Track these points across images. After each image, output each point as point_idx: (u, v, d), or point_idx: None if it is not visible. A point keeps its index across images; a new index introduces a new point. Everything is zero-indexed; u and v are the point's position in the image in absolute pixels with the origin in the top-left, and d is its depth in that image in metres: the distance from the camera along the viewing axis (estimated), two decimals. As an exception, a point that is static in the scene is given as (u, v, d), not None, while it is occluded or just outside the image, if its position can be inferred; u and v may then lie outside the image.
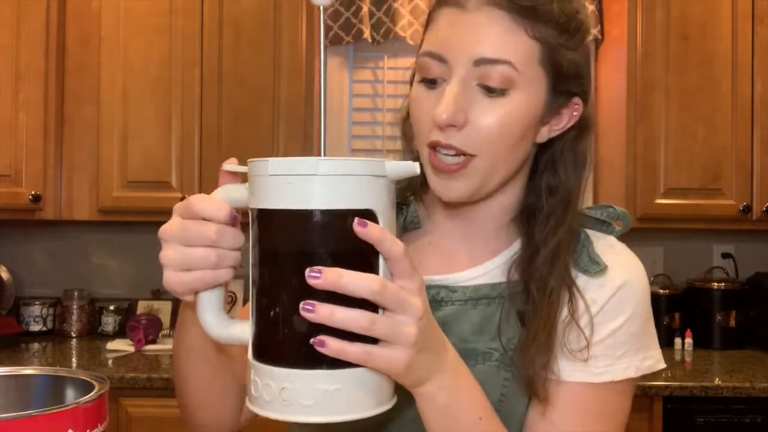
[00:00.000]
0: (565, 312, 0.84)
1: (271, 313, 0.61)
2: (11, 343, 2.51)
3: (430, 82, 0.84)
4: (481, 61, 0.80)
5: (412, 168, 0.62)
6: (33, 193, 2.42)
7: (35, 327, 2.69)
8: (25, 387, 0.68)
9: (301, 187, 0.59)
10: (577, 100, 0.87)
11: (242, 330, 0.65)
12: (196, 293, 0.66)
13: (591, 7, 2.65)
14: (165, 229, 0.65)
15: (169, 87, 2.47)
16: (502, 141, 0.82)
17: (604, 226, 0.91)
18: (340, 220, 0.59)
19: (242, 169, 0.65)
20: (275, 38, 2.46)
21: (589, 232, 0.90)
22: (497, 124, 0.81)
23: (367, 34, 2.67)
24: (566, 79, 0.85)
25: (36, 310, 2.70)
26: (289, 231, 0.60)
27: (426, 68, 0.84)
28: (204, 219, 0.64)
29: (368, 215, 0.60)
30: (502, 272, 0.89)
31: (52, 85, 2.46)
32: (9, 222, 2.70)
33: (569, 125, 0.88)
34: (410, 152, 0.95)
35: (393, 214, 0.64)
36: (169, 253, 0.64)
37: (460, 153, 0.82)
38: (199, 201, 0.64)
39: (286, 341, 0.61)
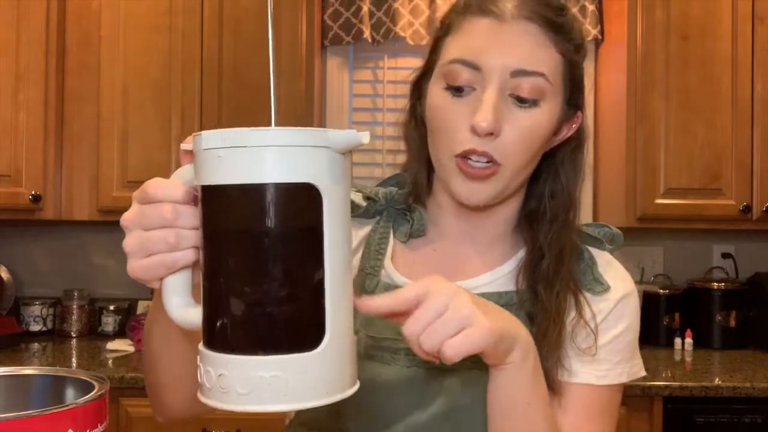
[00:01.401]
0: (573, 314, 0.89)
1: (211, 296, 0.58)
2: (11, 343, 2.51)
3: (457, 90, 0.85)
4: (518, 72, 0.83)
5: (357, 138, 0.57)
6: (33, 193, 2.42)
7: (35, 327, 2.69)
8: (25, 387, 0.68)
9: (232, 161, 0.55)
10: (579, 113, 0.92)
11: (198, 315, 0.61)
12: (161, 279, 0.64)
13: (591, 7, 2.65)
14: (125, 217, 0.64)
15: (169, 87, 2.47)
16: (528, 151, 0.86)
17: (598, 243, 0.95)
18: (276, 194, 0.55)
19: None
20: (275, 38, 2.46)
21: (592, 250, 0.94)
22: (527, 134, 0.84)
23: (367, 34, 2.67)
24: (576, 93, 0.90)
25: (36, 310, 2.70)
26: (222, 208, 0.57)
27: (454, 75, 0.85)
28: (161, 201, 0.63)
29: (308, 190, 0.56)
30: (509, 280, 0.92)
31: (52, 85, 2.45)
32: (9, 222, 2.70)
33: (567, 136, 0.92)
34: (416, 158, 0.95)
35: (343, 189, 0.58)
36: (130, 240, 0.63)
37: (490, 161, 0.84)
38: (153, 185, 0.63)
39: (224, 325, 0.57)
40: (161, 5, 2.47)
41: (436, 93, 0.87)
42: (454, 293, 0.68)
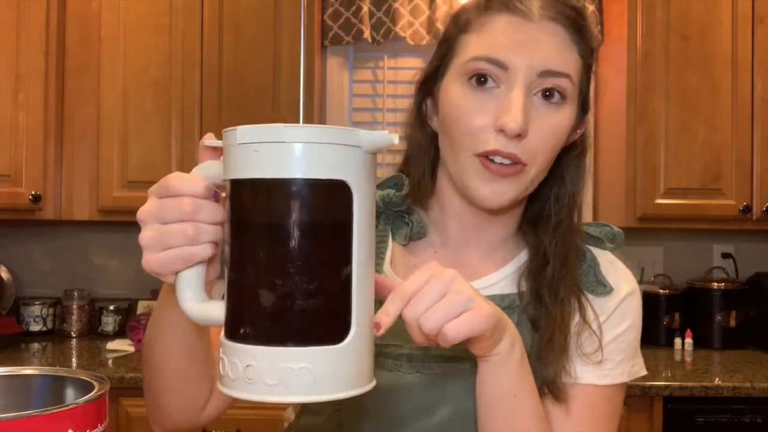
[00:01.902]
0: (577, 317, 0.88)
1: (239, 288, 0.59)
2: (11, 343, 2.51)
3: (480, 81, 0.83)
4: (546, 73, 0.82)
5: (389, 138, 0.59)
6: (33, 193, 2.42)
7: (35, 327, 2.69)
8: (25, 387, 0.68)
9: (268, 155, 0.56)
10: (586, 118, 0.92)
11: (218, 310, 0.62)
12: (177, 273, 0.64)
13: (591, 7, 2.66)
14: (142, 211, 0.64)
15: (169, 87, 2.47)
16: (552, 151, 0.85)
17: (599, 242, 0.94)
18: (310, 190, 0.56)
19: (220, 143, 0.62)
20: (275, 38, 2.46)
21: (593, 250, 0.93)
22: (553, 134, 0.84)
23: (367, 34, 2.67)
24: (587, 97, 0.90)
25: (36, 310, 2.70)
26: (256, 201, 0.58)
27: (477, 71, 0.83)
28: (181, 195, 0.62)
29: (340, 187, 0.57)
30: (511, 283, 0.91)
31: (52, 85, 2.45)
32: (9, 222, 2.70)
33: (573, 140, 0.91)
34: (419, 159, 0.93)
35: (371, 187, 0.60)
36: (147, 234, 0.63)
37: (516, 162, 0.82)
38: (174, 178, 0.63)
39: (253, 317, 0.58)
40: (161, 5, 2.47)
41: (455, 90, 0.85)
42: (454, 277, 0.68)
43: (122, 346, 2.48)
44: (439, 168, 0.93)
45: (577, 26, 0.84)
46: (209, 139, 0.65)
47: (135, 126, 2.47)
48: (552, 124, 0.83)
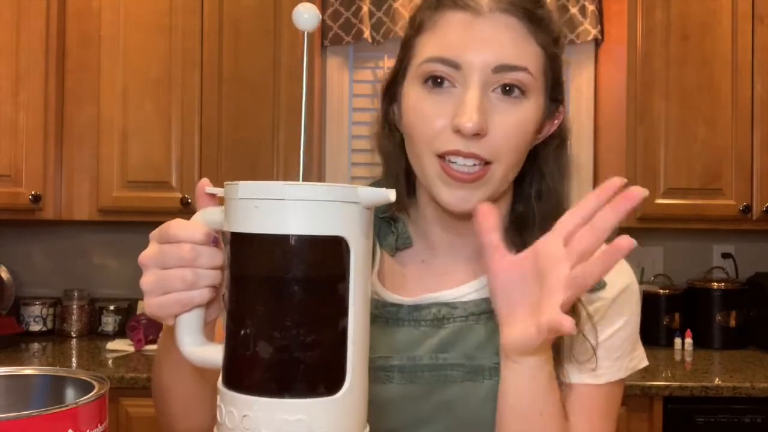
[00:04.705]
0: None
1: (237, 338, 0.60)
2: (11, 343, 2.51)
3: (437, 83, 0.82)
4: (501, 68, 0.80)
5: (386, 196, 0.60)
6: (33, 193, 2.42)
7: (35, 327, 2.69)
8: (25, 387, 0.68)
9: (269, 212, 0.58)
10: (561, 108, 0.89)
11: (217, 354, 0.63)
12: (176, 316, 0.66)
13: (591, 7, 2.65)
14: (143, 255, 0.66)
15: (169, 87, 2.47)
16: (518, 147, 0.83)
17: None
18: (308, 246, 0.58)
19: (219, 191, 0.64)
20: (275, 38, 2.46)
21: None
22: (515, 130, 0.81)
23: (367, 34, 2.67)
24: (557, 87, 0.87)
25: (36, 310, 2.70)
26: (255, 256, 0.60)
27: (431, 73, 0.82)
28: (181, 242, 0.64)
29: (338, 243, 0.59)
30: None
31: (52, 85, 2.45)
32: (9, 222, 2.70)
33: (550, 132, 0.89)
34: (392, 170, 0.92)
35: (368, 242, 0.62)
36: (147, 279, 0.65)
37: (480, 161, 0.81)
38: (174, 225, 0.65)
39: (250, 367, 0.59)
40: (161, 5, 2.47)
41: (413, 93, 0.84)
42: None
43: (122, 346, 2.48)
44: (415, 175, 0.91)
45: (532, 16, 0.81)
46: (207, 186, 0.67)
47: (135, 126, 2.47)
48: (514, 120, 0.81)
